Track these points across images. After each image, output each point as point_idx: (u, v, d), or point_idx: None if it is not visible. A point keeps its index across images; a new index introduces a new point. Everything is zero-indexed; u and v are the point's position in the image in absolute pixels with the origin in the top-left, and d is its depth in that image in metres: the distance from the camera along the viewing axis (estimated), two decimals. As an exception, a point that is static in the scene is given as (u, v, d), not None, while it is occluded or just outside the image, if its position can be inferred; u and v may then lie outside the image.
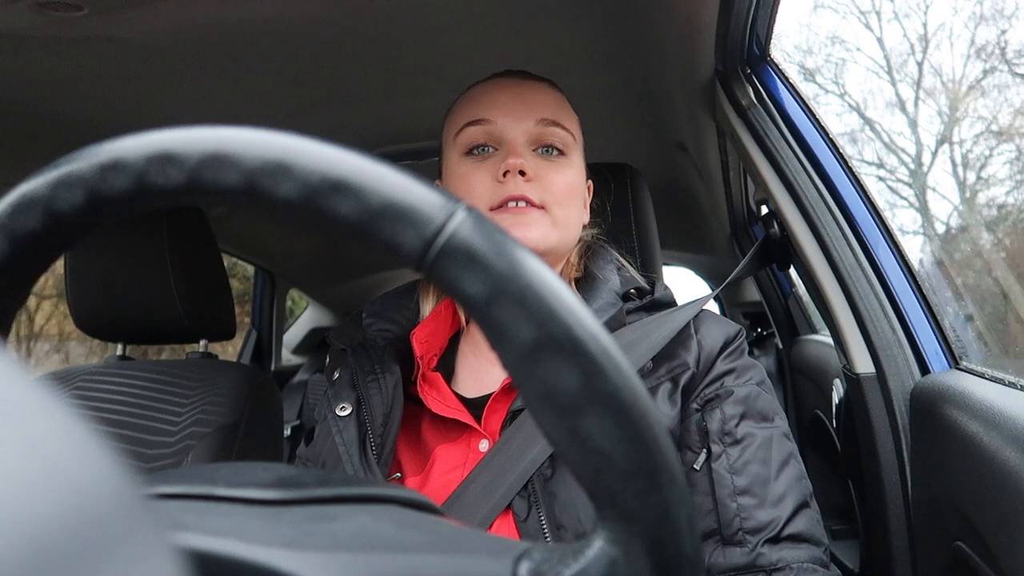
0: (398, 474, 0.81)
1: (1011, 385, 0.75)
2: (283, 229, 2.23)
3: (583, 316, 0.29)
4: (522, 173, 0.79)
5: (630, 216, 1.18)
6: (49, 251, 0.36)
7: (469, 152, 0.83)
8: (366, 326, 0.89)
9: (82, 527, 0.12)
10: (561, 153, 0.84)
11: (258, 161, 0.30)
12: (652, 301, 0.88)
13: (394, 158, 1.68)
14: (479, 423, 0.80)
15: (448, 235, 0.29)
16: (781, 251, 1.16)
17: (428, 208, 0.30)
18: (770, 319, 2.38)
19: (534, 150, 0.83)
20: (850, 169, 1.05)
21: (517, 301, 0.28)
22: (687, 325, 0.82)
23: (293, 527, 0.30)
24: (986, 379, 0.80)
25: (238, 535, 0.29)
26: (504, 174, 0.79)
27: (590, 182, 0.92)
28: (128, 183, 0.33)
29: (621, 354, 0.29)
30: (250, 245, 2.27)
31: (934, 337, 0.94)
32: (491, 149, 0.82)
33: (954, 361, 0.92)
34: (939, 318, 0.96)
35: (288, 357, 2.78)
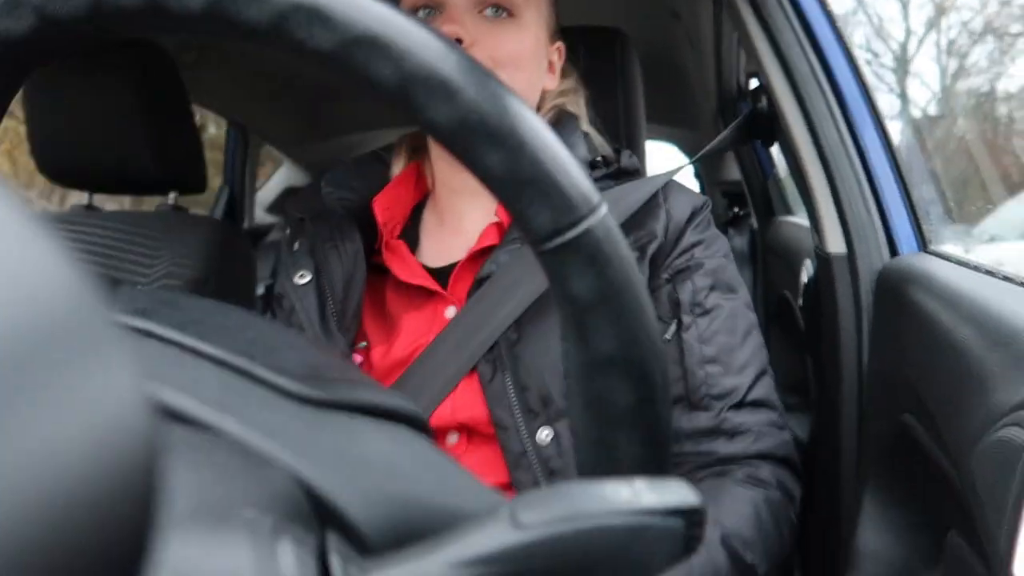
0: (363, 343, 0.82)
1: (975, 268, 0.77)
2: (257, 81, 2.14)
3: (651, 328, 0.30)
4: (459, 41, 0.74)
5: (616, 85, 1.15)
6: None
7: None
8: (325, 195, 0.86)
9: (36, 327, 0.12)
10: (510, 14, 0.78)
11: None
12: (619, 169, 0.86)
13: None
14: (445, 290, 0.80)
15: (581, 231, 0.29)
16: (766, 126, 1.14)
17: (575, 196, 0.29)
18: (748, 199, 2.38)
19: (480, 12, 0.77)
20: (846, 47, 1.02)
21: (615, 315, 0.29)
22: (656, 194, 0.82)
23: (332, 435, 0.28)
24: (952, 262, 0.82)
25: (271, 433, 0.26)
26: None
27: (560, 44, 0.87)
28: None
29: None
30: (221, 97, 2.18)
31: (907, 220, 0.95)
32: (435, 12, 0.77)
33: (924, 244, 0.93)
34: (914, 202, 0.97)
35: (262, 216, 2.75)
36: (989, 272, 0.74)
